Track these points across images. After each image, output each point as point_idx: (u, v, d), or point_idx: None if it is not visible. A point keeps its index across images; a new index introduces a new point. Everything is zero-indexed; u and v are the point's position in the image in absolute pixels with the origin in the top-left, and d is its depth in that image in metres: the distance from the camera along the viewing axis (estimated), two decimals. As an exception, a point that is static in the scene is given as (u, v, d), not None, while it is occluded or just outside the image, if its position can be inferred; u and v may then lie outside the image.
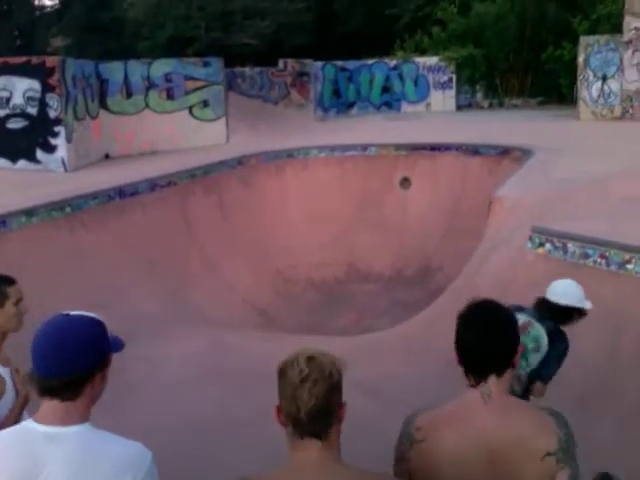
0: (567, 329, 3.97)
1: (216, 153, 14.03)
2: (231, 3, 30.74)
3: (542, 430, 2.03)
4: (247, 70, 20.54)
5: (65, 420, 1.84)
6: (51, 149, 12.67)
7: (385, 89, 24.04)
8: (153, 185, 11.44)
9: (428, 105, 23.80)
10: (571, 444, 2.05)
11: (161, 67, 15.63)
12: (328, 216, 13.24)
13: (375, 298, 11.54)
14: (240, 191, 13.12)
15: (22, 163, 12.83)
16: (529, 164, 10.95)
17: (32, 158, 12.78)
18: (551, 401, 2.86)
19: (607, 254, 6.40)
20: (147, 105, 15.33)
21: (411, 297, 10.77)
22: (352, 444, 2.32)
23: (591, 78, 18.47)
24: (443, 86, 23.84)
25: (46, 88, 12.47)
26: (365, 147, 14.27)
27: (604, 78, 18.20)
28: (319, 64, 22.58)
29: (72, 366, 1.84)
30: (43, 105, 12.52)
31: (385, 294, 11.67)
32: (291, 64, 20.83)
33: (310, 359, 1.81)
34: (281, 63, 20.80)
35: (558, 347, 3.87)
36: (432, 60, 23.93)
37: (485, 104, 25.89)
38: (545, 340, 3.83)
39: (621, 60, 17.77)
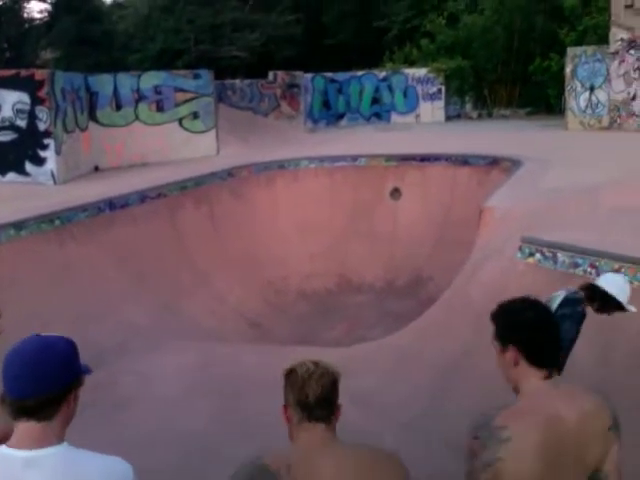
0: None
1: (206, 165, 14.03)
2: (220, 16, 30.88)
3: (601, 408, 2.20)
4: (237, 82, 20.57)
5: (42, 442, 1.80)
6: (40, 162, 12.63)
7: (375, 100, 24.15)
8: (143, 197, 11.42)
9: (417, 116, 23.92)
10: (618, 418, 2.23)
11: (151, 79, 15.64)
12: (319, 227, 13.26)
13: (367, 309, 11.53)
14: (231, 202, 13.12)
15: (11, 176, 12.78)
16: (518, 174, 11.01)
17: (21, 171, 12.73)
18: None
19: (597, 264, 6.44)
20: (137, 117, 15.33)
21: (402, 307, 10.77)
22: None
23: (579, 88, 18.65)
24: (432, 97, 23.97)
25: (35, 101, 12.44)
26: (355, 158, 14.31)
27: (591, 88, 18.38)
28: (309, 76, 22.66)
29: (48, 385, 1.81)
30: (32, 118, 12.49)
31: (376, 305, 11.67)
32: (281, 76, 20.89)
33: (315, 362, 2.22)
34: (271, 75, 20.85)
35: (571, 313, 3.83)
36: (421, 72, 24.08)
37: (474, 115, 26.06)
38: (557, 300, 3.80)
39: (608, 71, 17.97)
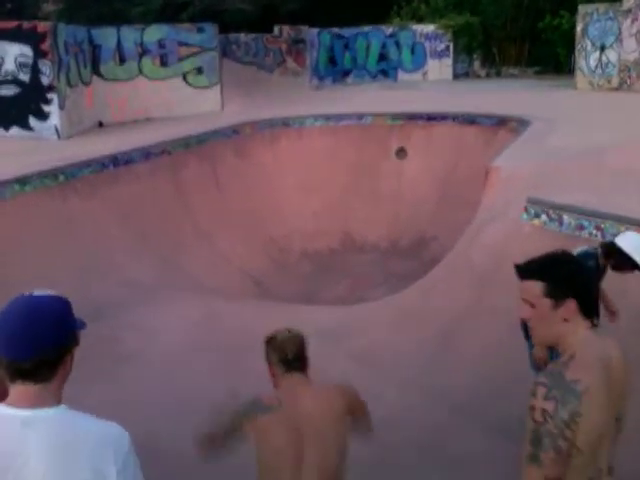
0: None
1: (210, 121, 13.90)
2: (225, -33, 30.15)
3: (619, 347, 2.25)
4: (242, 36, 20.21)
5: (40, 403, 1.77)
6: (44, 116, 12.52)
7: (382, 57, 23.72)
8: (147, 154, 11.35)
9: (425, 74, 23.55)
10: None
11: (154, 33, 15.40)
12: (323, 186, 13.19)
13: (370, 268, 11.56)
14: (234, 160, 13.04)
15: (14, 130, 12.68)
16: (525, 135, 10.90)
17: (25, 125, 12.63)
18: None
19: (603, 226, 6.41)
20: (140, 72, 15.14)
21: (406, 267, 10.79)
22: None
23: (589, 48, 18.31)
24: (440, 55, 23.58)
25: (38, 54, 12.27)
26: (361, 116, 14.16)
27: (602, 48, 18.04)
28: (314, 31, 22.23)
29: (44, 347, 1.76)
30: (35, 71, 12.34)
31: (380, 264, 11.69)
32: (286, 30, 20.55)
33: (288, 329, 3.03)
34: (276, 29, 20.51)
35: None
36: (429, 28, 23.62)
37: (482, 73, 25.65)
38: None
39: (620, 30, 17.58)
